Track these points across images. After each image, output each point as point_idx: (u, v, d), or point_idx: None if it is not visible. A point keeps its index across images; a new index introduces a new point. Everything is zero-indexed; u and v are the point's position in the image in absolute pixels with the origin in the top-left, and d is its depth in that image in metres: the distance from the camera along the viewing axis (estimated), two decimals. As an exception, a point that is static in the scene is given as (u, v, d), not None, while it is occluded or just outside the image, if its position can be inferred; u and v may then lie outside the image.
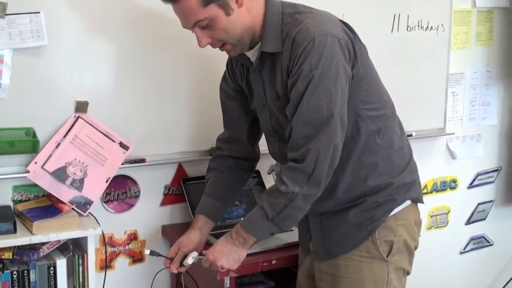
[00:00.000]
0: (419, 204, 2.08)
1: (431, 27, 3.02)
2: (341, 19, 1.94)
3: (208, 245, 2.21)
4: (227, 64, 2.15)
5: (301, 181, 1.79)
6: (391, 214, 1.96)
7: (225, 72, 2.17)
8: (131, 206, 2.51)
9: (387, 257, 1.95)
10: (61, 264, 2.17)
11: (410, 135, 2.99)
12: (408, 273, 2.05)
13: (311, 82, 1.76)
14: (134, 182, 2.50)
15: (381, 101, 1.96)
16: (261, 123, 2.10)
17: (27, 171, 2.21)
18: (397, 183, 1.96)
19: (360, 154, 1.93)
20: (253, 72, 1.99)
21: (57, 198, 2.23)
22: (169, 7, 1.86)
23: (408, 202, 1.99)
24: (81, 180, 2.27)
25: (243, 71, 2.05)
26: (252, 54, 1.96)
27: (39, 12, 2.14)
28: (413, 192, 2.01)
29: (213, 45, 1.92)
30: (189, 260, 2.00)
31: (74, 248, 2.25)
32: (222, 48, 1.93)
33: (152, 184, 2.54)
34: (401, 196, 1.97)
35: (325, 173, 1.79)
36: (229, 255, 1.91)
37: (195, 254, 2.02)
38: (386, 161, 1.95)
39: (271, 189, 1.86)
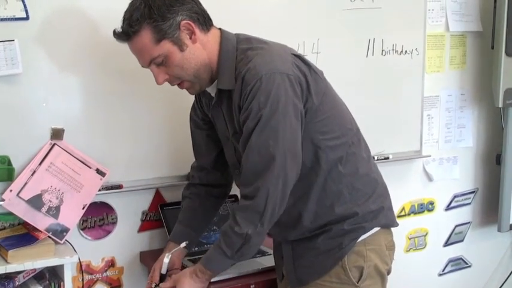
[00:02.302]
0: (394, 227, 2.09)
1: (406, 51, 3.06)
2: (294, 52, 1.96)
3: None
4: (196, 95, 2.16)
5: (254, 220, 1.83)
6: (360, 240, 1.96)
7: (194, 102, 2.20)
8: (108, 232, 2.49)
9: (358, 282, 1.95)
10: (37, 293, 2.14)
11: (387, 158, 3.01)
12: (382, 298, 2.06)
13: (260, 121, 1.80)
14: (111, 209, 2.48)
15: (341, 129, 1.97)
16: (226, 155, 2.11)
17: (2, 200, 2.19)
18: (363, 212, 1.97)
19: (322, 183, 1.94)
20: (214, 107, 2.01)
21: (33, 226, 2.21)
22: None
23: (377, 228, 2.00)
24: (57, 208, 2.25)
25: (208, 102, 2.07)
26: (212, 90, 1.99)
27: (13, 40, 2.14)
28: (382, 218, 2.01)
29: (171, 83, 1.95)
30: (165, 259, 2.04)
31: (51, 277, 2.22)
32: (180, 86, 1.95)
33: (130, 210, 2.53)
34: (369, 223, 1.98)
35: (275, 209, 1.83)
36: None
37: (168, 255, 2.06)
38: (351, 188, 1.96)
39: (226, 229, 1.89)
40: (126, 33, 1.86)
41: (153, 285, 2.07)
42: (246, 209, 1.85)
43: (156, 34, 1.84)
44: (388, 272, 2.06)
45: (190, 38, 1.88)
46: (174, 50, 1.86)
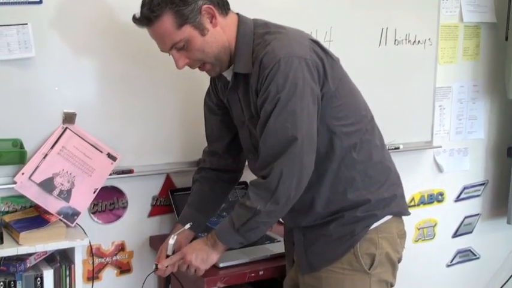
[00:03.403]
0: (405, 216, 2.09)
1: (419, 41, 3.05)
2: (311, 38, 1.96)
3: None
4: (211, 80, 2.17)
5: (265, 197, 1.83)
6: (372, 227, 1.97)
7: (209, 87, 2.20)
8: (119, 217, 2.51)
9: (369, 269, 1.96)
10: (48, 275, 2.16)
11: (398, 148, 3.01)
12: (392, 286, 2.06)
13: (277, 104, 1.80)
14: (122, 193, 2.50)
15: (356, 116, 1.97)
16: (241, 140, 2.12)
17: (15, 182, 2.20)
18: (375, 199, 1.97)
19: (336, 169, 1.94)
20: (230, 91, 2.01)
21: (44, 209, 2.23)
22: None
23: (389, 217, 2.00)
24: (69, 191, 2.27)
25: (224, 88, 2.07)
26: (228, 74, 1.99)
27: (26, 24, 2.14)
28: (394, 206, 2.02)
29: (191, 66, 1.95)
30: (171, 241, 2.05)
31: (61, 259, 2.24)
32: (201, 68, 1.96)
33: (140, 195, 2.54)
34: (381, 211, 1.98)
35: (289, 192, 1.83)
36: (199, 252, 1.98)
37: (174, 236, 2.07)
38: (363, 175, 1.96)
39: (240, 201, 1.91)
40: (147, 18, 1.85)
41: (154, 266, 2.08)
42: (258, 186, 1.86)
43: (177, 19, 1.83)
44: (399, 260, 2.06)
45: (211, 22, 1.88)
46: (195, 34, 1.86)
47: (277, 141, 1.81)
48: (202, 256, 1.97)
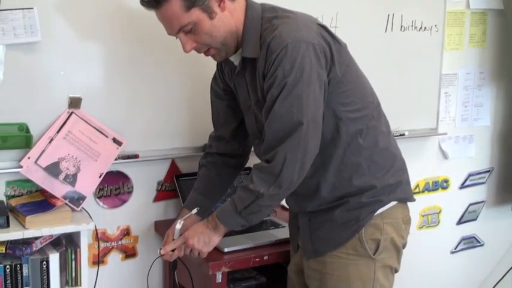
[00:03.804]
0: (410, 202, 2.09)
1: (425, 27, 3.04)
2: (319, 22, 1.95)
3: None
4: (217, 64, 2.17)
5: (268, 181, 1.84)
6: (377, 213, 1.97)
7: (215, 72, 2.20)
8: (124, 201, 2.52)
9: (374, 254, 1.97)
10: (54, 258, 2.17)
11: (403, 135, 3.01)
12: (396, 271, 2.07)
13: (284, 88, 1.79)
14: (127, 178, 2.51)
15: (363, 102, 1.97)
16: (246, 124, 2.12)
17: (20, 167, 2.22)
18: (381, 185, 1.97)
19: (341, 155, 1.95)
20: (237, 76, 2.01)
21: (50, 193, 2.24)
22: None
23: (394, 202, 2.01)
24: (74, 176, 2.27)
25: (231, 72, 2.07)
26: (235, 59, 1.99)
27: (32, 8, 2.14)
28: (400, 192, 2.02)
29: (198, 50, 1.95)
30: (178, 226, 2.06)
31: (67, 243, 2.25)
32: (207, 53, 1.95)
33: (145, 180, 2.55)
34: (386, 197, 1.99)
35: (292, 176, 1.83)
36: (200, 235, 1.99)
37: (181, 221, 2.08)
38: (369, 161, 1.97)
39: (243, 184, 1.92)
40: (157, 0, 1.85)
41: (159, 251, 2.09)
42: (262, 170, 1.87)
43: (186, 1, 1.82)
44: (404, 246, 2.07)
45: (219, 6, 1.87)
46: (203, 17, 1.85)
47: (283, 125, 1.82)
48: (204, 239, 1.99)
